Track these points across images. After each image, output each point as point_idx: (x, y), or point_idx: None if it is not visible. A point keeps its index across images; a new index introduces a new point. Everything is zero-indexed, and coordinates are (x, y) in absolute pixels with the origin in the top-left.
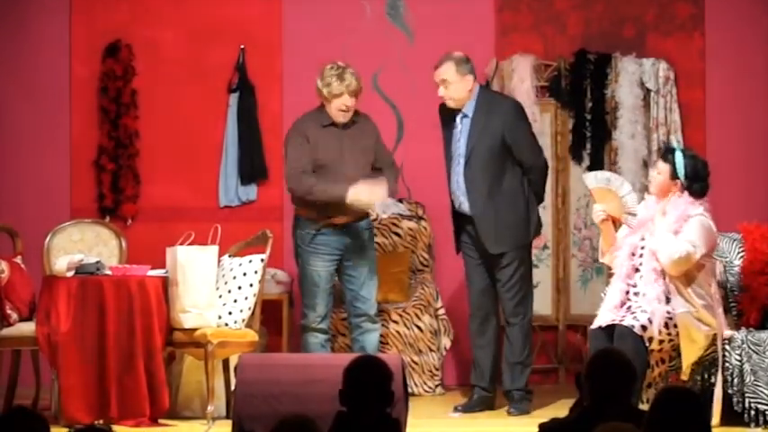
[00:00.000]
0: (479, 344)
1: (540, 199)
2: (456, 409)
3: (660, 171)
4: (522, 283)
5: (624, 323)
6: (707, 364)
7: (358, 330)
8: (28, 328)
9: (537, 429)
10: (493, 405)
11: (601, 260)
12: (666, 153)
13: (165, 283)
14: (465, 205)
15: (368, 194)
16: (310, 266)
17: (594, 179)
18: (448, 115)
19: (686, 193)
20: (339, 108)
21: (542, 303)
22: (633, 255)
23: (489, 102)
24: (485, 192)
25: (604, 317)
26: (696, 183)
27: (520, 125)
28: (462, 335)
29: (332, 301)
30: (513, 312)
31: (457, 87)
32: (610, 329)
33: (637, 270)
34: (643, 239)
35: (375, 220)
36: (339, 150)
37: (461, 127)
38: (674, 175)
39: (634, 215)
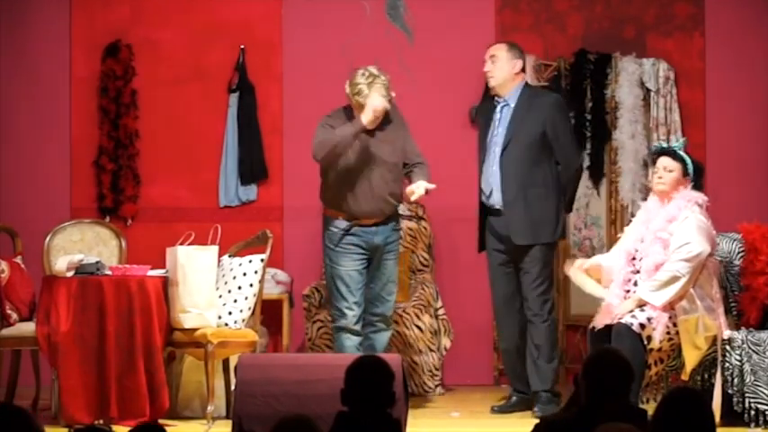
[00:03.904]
0: (508, 348)
1: (569, 208)
2: (493, 410)
3: (672, 168)
4: (547, 281)
5: (622, 321)
6: (707, 364)
7: (371, 328)
8: (28, 328)
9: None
10: (530, 405)
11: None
12: (671, 153)
13: (165, 283)
14: (496, 196)
15: (374, 101)
16: (341, 267)
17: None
18: (487, 108)
19: (690, 186)
20: None
21: None
22: (633, 259)
23: (533, 94)
24: (518, 182)
25: (602, 318)
26: (699, 178)
27: (562, 119)
28: (462, 335)
29: (363, 300)
30: (540, 311)
31: (503, 66)
32: (609, 330)
33: (636, 272)
34: (642, 241)
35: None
36: (366, 149)
37: (501, 116)
38: (685, 172)
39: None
